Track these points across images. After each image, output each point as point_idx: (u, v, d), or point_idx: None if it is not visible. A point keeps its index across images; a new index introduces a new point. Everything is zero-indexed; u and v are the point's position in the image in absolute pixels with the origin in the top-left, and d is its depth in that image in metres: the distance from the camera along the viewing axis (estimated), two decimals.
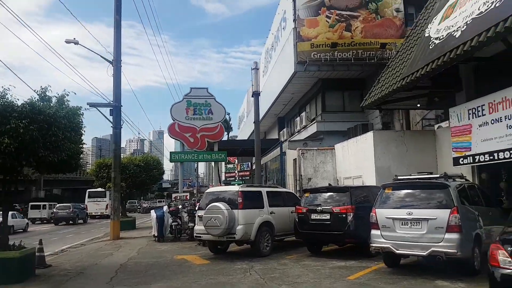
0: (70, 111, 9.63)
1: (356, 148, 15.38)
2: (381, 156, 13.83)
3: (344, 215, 9.14)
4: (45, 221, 36.88)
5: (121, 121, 17.02)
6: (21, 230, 26.30)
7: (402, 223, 7.31)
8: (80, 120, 10.08)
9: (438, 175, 8.12)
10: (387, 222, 7.50)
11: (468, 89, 12.20)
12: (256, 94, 17.91)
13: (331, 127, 20.80)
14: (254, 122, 17.91)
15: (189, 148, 18.72)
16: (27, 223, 28.63)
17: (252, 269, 8.57)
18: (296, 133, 24.51)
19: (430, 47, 10.86)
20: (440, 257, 6.83)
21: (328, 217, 9.39)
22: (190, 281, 7.76)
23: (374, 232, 7.74)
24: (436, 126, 16.26)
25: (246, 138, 40.23)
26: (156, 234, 15.24)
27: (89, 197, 40.29)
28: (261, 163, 31.49)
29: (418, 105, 13.93)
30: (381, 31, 19.43)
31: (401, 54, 13.39)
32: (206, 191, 11.99)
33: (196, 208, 12.95)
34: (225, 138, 19.68)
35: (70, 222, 33.30)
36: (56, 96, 9.66)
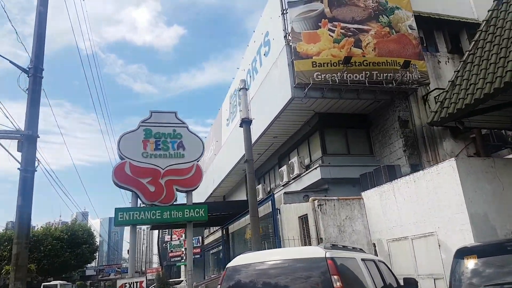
0: None
1: (414, 191, 10.14)
2: (473, 198, 8.68)
3: None
4: None
5: (36, 161, 10.37)
6: None
7: None
8: None
9: None
10: None
11: None
12: (246, 122, 12.46)
13: (338, 173, 15.60)
14: (245, 162, 12.17)
15: (147, 202, 11.78)
16: None
17: None
18: (282, 187, 18.91)
19: None
20: None
21: None
22: None
23: None
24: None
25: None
26: None
27: None
28: (229, 232, 25.15)
29: None
30: (398, 48, 15.32)
31: (489, 40, 8.89)
32: (229, 265, 5.14)
33: None
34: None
35: None
36: None
